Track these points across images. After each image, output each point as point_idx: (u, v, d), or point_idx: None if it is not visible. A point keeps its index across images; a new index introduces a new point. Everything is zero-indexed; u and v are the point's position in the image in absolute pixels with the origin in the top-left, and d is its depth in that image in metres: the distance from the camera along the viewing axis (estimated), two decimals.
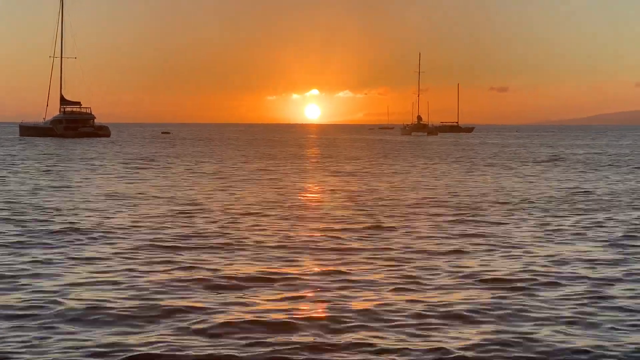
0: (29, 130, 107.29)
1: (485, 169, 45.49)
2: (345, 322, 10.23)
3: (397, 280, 12.86)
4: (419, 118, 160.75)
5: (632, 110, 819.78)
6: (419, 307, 11.01)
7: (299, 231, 18.42)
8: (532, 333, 9.81)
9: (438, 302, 11.35)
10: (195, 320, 10.28)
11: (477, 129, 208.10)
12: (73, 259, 14.68)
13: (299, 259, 14.84)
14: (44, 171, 39.60)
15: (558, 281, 12.91)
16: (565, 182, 34.92)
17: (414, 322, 10.30)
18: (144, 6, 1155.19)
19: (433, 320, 10.38)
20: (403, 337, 9.63)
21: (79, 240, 16.85)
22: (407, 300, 11.43)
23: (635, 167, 47.07)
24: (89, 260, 14.57)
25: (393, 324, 10.20)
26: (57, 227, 18.60)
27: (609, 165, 49.75)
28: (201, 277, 13.01)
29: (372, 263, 14.41)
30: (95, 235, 17.53)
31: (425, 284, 12.59)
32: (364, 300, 11.48)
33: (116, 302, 11.22)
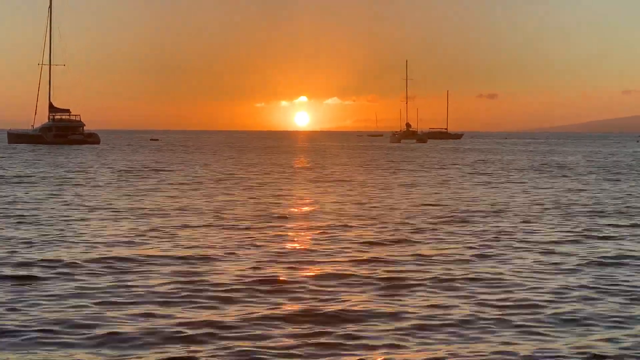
0: (17, 138, 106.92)
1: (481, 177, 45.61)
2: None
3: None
4: (408, 125, 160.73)
5: (620, 117, 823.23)
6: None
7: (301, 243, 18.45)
8: None
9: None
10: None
11: (466, 136, 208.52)
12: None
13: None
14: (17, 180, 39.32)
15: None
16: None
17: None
18: (134, 14, 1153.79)
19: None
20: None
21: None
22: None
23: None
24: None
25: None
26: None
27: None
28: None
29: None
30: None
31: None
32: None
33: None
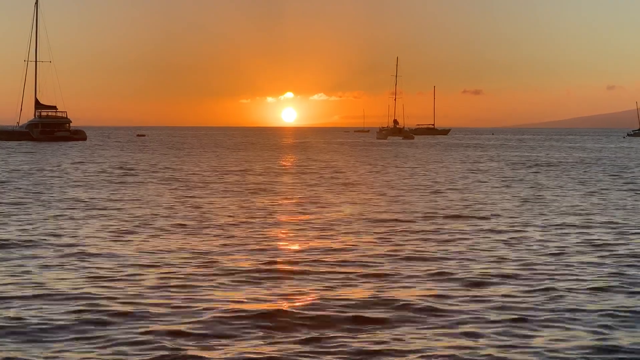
0: (3, 134, 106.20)
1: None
2: None
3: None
4: (395, 122, 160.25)
5: (605, 113, 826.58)
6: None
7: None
8: None
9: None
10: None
11: (452, 132, 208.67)
12: None
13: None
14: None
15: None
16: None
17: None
18: (121, 12, 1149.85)
19: None
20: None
21: None
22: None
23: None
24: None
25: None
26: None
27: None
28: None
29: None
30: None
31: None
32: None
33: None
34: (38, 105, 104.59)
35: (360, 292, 12.59)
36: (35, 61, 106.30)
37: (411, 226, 20.74)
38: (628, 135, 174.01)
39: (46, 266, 14.70)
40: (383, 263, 15.21)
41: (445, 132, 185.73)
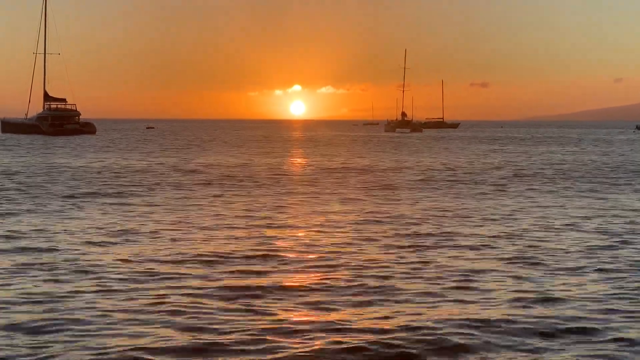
0: (11, 127, 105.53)
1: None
2: None
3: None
4: (403, 114, 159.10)
5: (613, 106, 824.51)
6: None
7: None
8: None
9: None
10: None
11: (462, 125, 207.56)
12: None
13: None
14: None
15: None
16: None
17: None
18: (129, 3, 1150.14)
19: None
20: None
21: None
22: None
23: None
24: None
25: None
26: None
27: None
28: None
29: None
30: None
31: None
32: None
33: None
34: (47, 97, 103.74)
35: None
36: (44, 53, 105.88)
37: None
38: (638, 128, 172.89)
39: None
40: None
41: (454, 125, 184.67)
